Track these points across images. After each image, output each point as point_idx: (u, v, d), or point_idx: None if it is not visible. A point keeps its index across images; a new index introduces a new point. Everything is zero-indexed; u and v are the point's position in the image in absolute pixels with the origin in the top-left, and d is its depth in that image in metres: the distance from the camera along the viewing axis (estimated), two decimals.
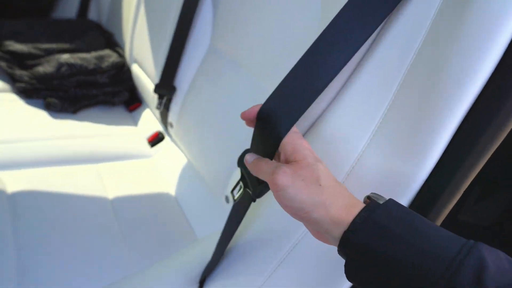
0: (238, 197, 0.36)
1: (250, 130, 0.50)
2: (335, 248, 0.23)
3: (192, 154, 0.66)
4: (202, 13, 0.60)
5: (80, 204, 0.59)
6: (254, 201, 0.35)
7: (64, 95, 0.76)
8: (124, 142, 0.77)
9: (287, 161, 0.26)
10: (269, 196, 0.40)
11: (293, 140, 0.26)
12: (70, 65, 0.75)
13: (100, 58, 0.81)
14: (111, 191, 0.64)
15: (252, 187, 0.33)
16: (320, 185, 0.23)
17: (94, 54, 0.81)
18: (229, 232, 0.43)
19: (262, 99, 0.48)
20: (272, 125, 0.28)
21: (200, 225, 0.63)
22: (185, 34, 0.61)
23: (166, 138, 0.79)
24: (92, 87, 0.80)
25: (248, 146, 0.50)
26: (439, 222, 0.25)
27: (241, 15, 0.52)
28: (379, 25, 0.27)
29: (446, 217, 0.25)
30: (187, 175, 0.71)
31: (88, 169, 0.67)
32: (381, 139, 0.28)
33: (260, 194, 0.33)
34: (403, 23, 0.27)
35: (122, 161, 0.72)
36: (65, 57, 0.76)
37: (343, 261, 0.22)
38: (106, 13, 0.99)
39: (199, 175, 0.67)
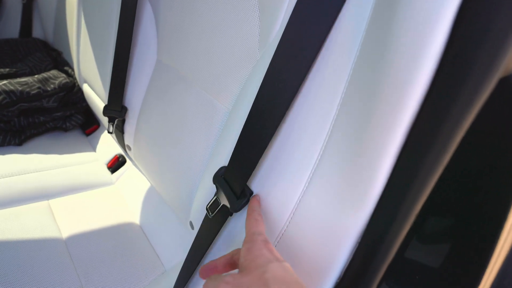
0: (215, 213, 0.35)
1: (206, 147, 0.46)
2: None
3: (152, 178, 0.60)
4: (144, 26, 0.55)
5: (29, 248, 0.53)
6: (231, 215, 0.34)
7: (6, 126, 0.69)
8: (81, 171, 0.71)
9: (241, 267, 0.23)
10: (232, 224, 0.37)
11: (250, 242, 0.24)
12: (8, 93, 0.67)
13: (45, 81, 0.74)
14: (65, 229, 0.58)
15: (230, 202, 0.32)
16: None
17: (37, 77, 0.74)
18: (195, 257, 0.40)
19: (212, 115, 0.44)
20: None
21: (168, 255, 0.58)
22: (127, 50, 0.55)
23: (128, 161, 0.73)
24: (39, 114, 0.73)
25: (204, 163, 0.46)
26: (388, 261, 0.22)
27: (182, 29, 0.48)
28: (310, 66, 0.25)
29: (395, 257, 0.22)
30: (151, 200, 0.65)
31: (38, 208, 0.60)
32: (316, 190, 0.26)
33: (238, 208, 0.32)
34: (325, 74, 0.25)
35: (79, 193, 0.66)
36: (2, 84, 0.69)
37: None
38: (52, 30, 0.91)
39: (163, 199, 0.62)
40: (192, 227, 0.51)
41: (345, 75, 0.23)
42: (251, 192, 0.32)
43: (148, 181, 0.66)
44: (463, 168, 0.22)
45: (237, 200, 0.32)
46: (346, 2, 0.24)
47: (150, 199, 0.66)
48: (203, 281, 0.42)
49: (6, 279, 0.47)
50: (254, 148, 0.30)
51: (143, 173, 0.68)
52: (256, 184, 0.32)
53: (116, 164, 0.73)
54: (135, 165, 0.71)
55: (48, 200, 0.63)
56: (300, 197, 0.27)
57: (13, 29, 0.95)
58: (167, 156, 0.54)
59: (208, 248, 0.39)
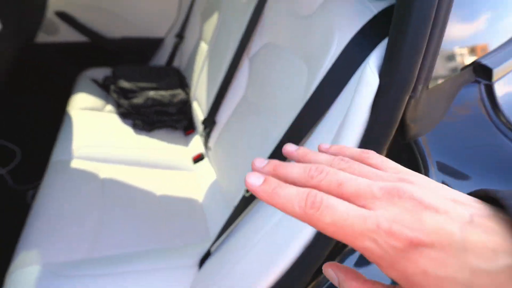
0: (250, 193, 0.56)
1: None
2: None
3: (219, 173, 0.88)
4: (242, 71, 0.86)
5: (139, 192, 0.86)
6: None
7: (146, 119, 1.09)
8: (176, 156, 1.05)
9: None
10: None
11: None
12: (153, 99, 1.08)
13: (173, 95, 1.13)
14: (159, 189, 0.90)
15: None
16: None
17: (169, 92, 1.15)
18: (225, 226, 0.63)
19: (267, 141, 0.69)
20: None
21: (214, 228, 0.83)
22: (227, 85, 0.87)
23: (206, 158, 1.04)
24: (164, 115, 1.12)
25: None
26: None
27: (263, 78, 0.76)
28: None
29: None
30: (214, 188, 0.93)
31: (147, 172, 0.95)
32: None
33: None
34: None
35: (171, 170, 0.99)
36: (151, 93, 1.11)
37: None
38: (185, 62, 1.36)
39: (222, 189, 0.89)
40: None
41: None
42: None
43: (215, 174, 0.95)
44: None
45: None
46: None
47: (213, 187, 0.93)
48: (230, 246, 0.65)
49: (130, 203, 0.80)
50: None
51: (213, 168, 0.97)
52: None
53: (198, 159, 1.05)
54: (210, 162, 1.01)
55: (152, 169, 0.97)
56: None
57: (162, 59, 1.44)
58: (233, 161, 0.81)
59: (236, 219, 0.62)
